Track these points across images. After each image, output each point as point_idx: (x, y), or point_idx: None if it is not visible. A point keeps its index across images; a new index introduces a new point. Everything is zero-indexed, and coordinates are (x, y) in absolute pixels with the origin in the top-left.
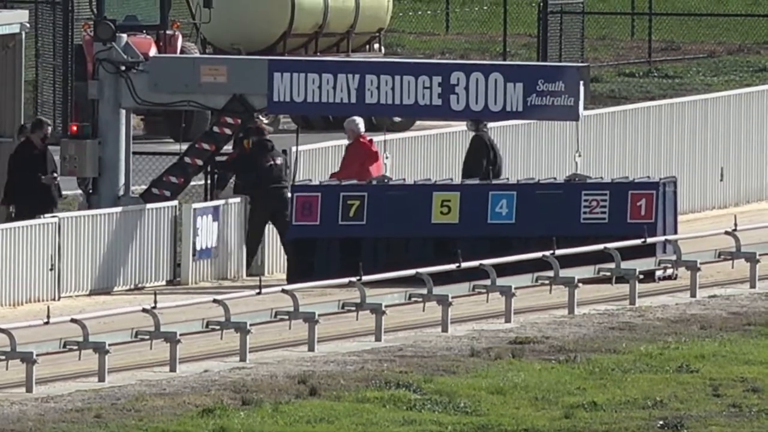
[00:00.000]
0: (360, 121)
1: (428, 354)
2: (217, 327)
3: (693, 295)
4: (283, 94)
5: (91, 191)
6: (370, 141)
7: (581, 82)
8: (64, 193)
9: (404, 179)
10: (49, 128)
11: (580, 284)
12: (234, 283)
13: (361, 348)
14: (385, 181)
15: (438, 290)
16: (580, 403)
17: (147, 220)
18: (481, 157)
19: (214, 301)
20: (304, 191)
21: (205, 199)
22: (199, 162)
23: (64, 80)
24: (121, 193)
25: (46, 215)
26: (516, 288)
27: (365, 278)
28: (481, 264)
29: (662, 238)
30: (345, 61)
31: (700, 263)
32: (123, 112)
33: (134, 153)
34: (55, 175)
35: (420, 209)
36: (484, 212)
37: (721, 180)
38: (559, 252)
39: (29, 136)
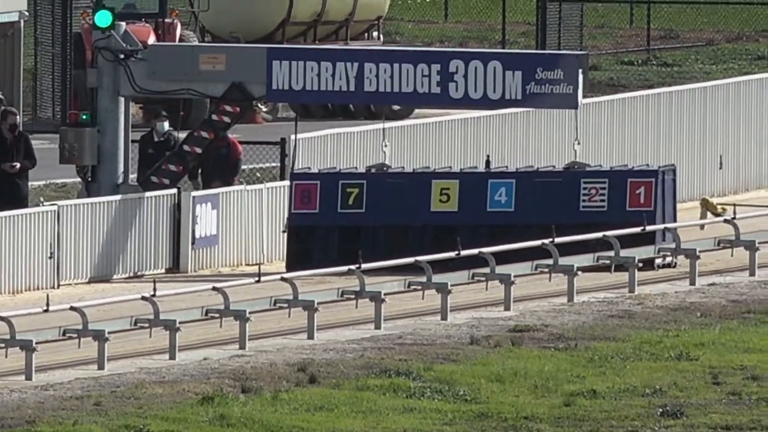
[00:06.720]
0: None
1: (428, 342)
2: (217, 315)
3: (692, 283)
4: (281, 82)
5: (90, 179)
6: None
7: (580, 70)
8: (62, 181)
9: (403, 167)
10: (18, 117)
11: (579, 272)
12: (233, 270)
13: (360, 336)
14: (384, 169)
15: (437, 278)
16: (580, 391)
17: (146, 208)
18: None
19: (214, 288)
20: (303, 179)
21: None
22: (198, 150)
23: (63, 68)
24: (120, 181)
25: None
26: (515, 276)
27: (364, 266)
28: (480, 252)
29: (661, 226)
30: (344, 49)
31: (700, 251)
32: (122, 100)
33: (133, 141)
34: (15, 164)
35: (419, 197)
36: (484, 200)
37: (721, 168)
38: (558, 240)
39: None
